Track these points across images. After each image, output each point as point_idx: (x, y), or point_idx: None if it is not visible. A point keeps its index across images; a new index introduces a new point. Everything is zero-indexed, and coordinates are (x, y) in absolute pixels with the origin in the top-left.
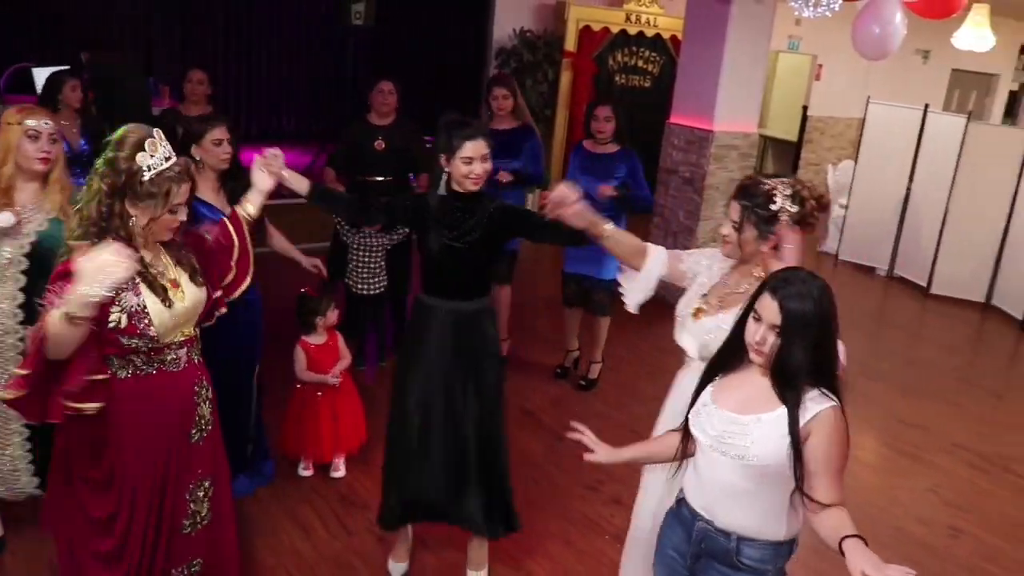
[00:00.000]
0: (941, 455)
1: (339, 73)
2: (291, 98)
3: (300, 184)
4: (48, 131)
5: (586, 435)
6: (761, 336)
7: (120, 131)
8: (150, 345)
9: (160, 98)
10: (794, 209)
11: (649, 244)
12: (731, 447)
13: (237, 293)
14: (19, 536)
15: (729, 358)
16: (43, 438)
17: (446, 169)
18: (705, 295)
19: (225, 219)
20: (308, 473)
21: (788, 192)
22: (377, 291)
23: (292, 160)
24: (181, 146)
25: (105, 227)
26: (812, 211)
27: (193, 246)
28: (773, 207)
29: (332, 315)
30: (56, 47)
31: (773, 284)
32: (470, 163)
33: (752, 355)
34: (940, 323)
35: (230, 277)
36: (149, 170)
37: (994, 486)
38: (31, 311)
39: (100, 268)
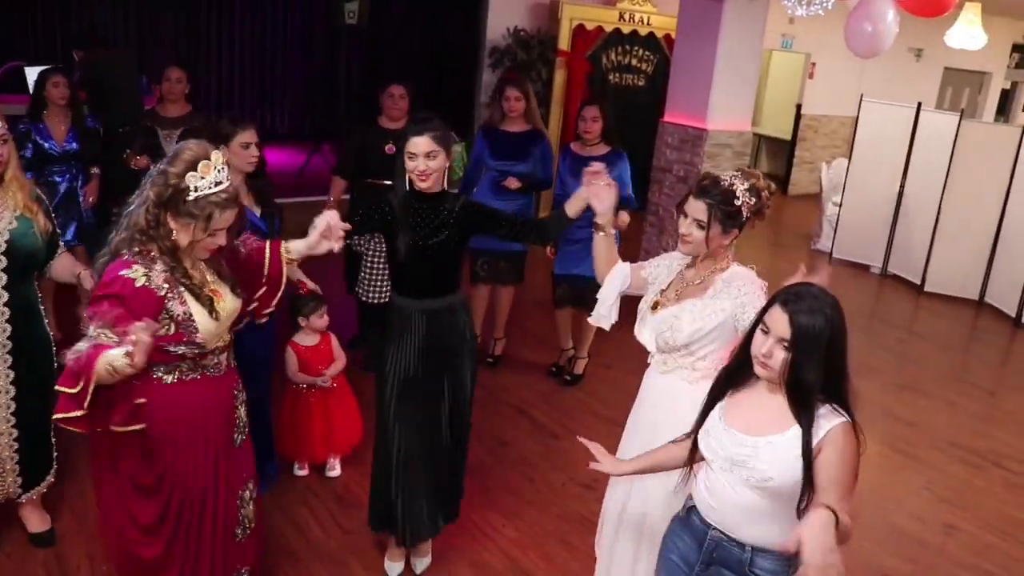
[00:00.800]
0: (935, 452)
1: (332, 73)
2: (284, 98)
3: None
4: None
5: (592, 446)
6: (768, 349)
7: (180, 145)
8: (196, 351)
9: (152, 97)
10: (752, 201)
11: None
12: (743, 468)
13: (263, 312)
14: (11, 537)
15: (737, 372)
16: (32, 441)
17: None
18: (664, 290)
19: (267, 245)
20: (303, 473)
21: (746, 186)
22: (385, 299)
23: (285, 160)
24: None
25: (152, 235)
26: (766, 201)
27: (228, 258)
28: (737, 203)
29: (317, 319)
30: (50, 45)
31: (784, 297)
32: (413, 159)
33: (757, 368)
34: (934, 320)
35: (260, 292)
36: (195, 191)
37: (988, 483)
38: (14, 308)
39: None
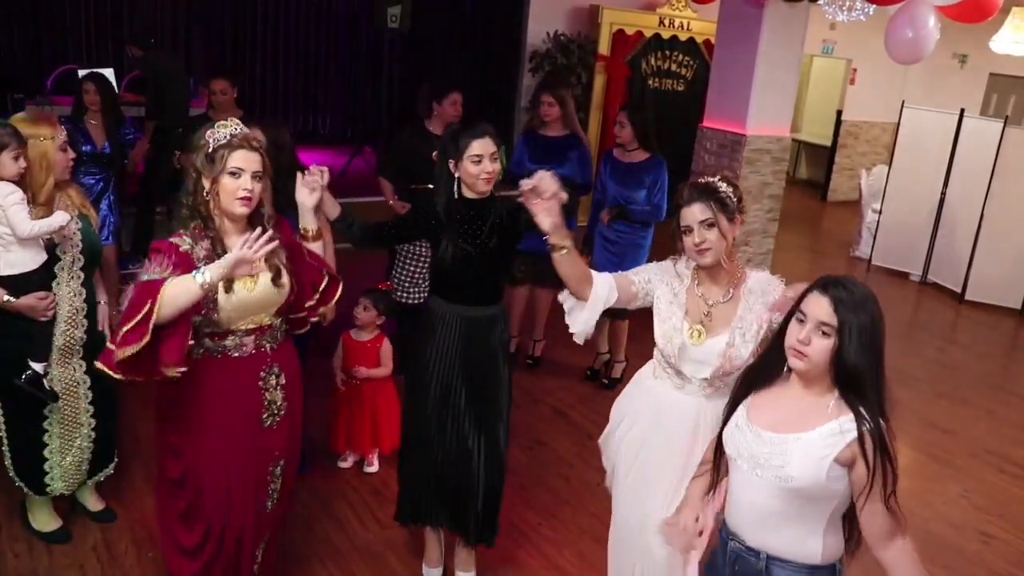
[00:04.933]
0: (973, 461)
1: (375, 76)
2: (327, 101)
3: (333, 209)
4: (66, 138)
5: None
6: (805, 335)
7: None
8: (213, 328)
9: (200, 99)
10: (731, 189)
11: (593, 272)
12: (768, 468)
13: (323, 307)
14: (74, 526)
15: (766, 369)
16: (102, 423)
17: (456, 175)
18: (685, 315)
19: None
20: (345, 465)
21: (717, 178)
22: (419, 300)
23: (327, 161)
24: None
25: (194, 204)
26: (740, 194)
27: (294, 253)
28: (721, 189)
29: (360, 310)
30: (102, 48)
31: (824, 283)
32: (479, 161)
33: (791, 359)
34: (974, 329)
35: (323, 285)
36: (214, 142)
37: None
38: (90, 305)
39: (235, 252)
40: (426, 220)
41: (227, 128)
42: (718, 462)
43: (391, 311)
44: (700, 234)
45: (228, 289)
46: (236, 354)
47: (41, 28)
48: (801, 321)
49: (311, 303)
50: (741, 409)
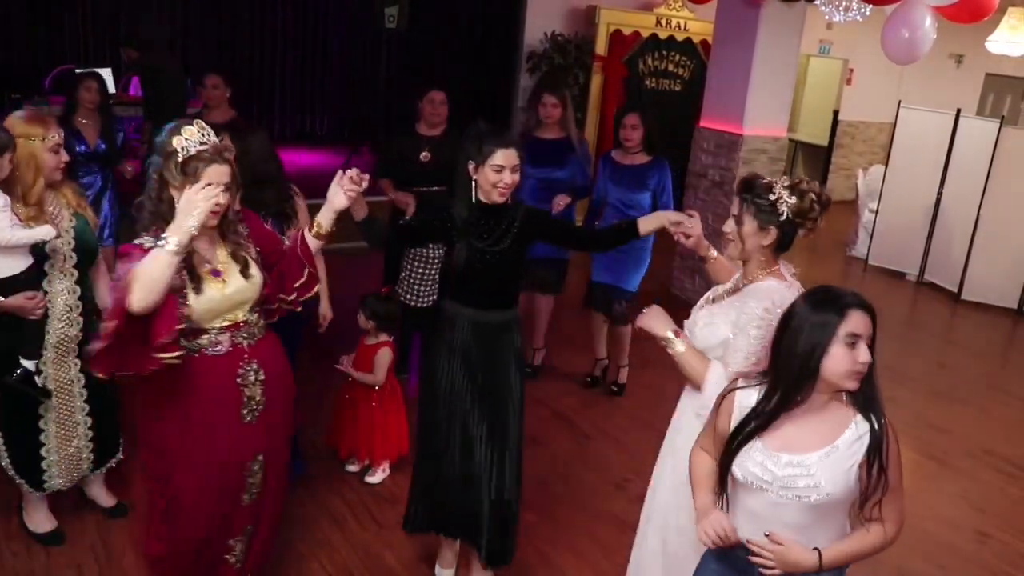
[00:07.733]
0: (969, 460)
1: (372, 76)
2: (324, 101)
3: (361, 211)
4: (61, 140)
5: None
6: (866, 356)
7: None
8: (186, 325)
9: (197, 100)
10: (792, 200)
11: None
12: (794, 489)
13: (304, 297)
14: (72, 526)
15: (794, 397)
16: (99, 420)
17: (474, 177)
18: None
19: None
20: (353, 469)
21: (787, 184)
22: (427, 303)
23: (324, 161)
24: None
25: (159, 212)
26: (812, 205)
27: (268, 244)
28: (772, 196)
29: (362, 317)
30: (99, 48)
31: (857, 300)
32: (500, 172)
33: (850, 383)
34: (970, 329)
35: (300, 281)
36: (183, 152)
37: (1022, 492)
38: (85, 303)
39: (190, 202)
40: (441, 223)
41: (195, 137)
42: (724, 488)
43: (386, 317)
44: (728, 224)
45: (198, 290)
46: (211, 351)
47: (39, 28)
48: (852, 344)
49: (290, 298)
50: (754, 439)
